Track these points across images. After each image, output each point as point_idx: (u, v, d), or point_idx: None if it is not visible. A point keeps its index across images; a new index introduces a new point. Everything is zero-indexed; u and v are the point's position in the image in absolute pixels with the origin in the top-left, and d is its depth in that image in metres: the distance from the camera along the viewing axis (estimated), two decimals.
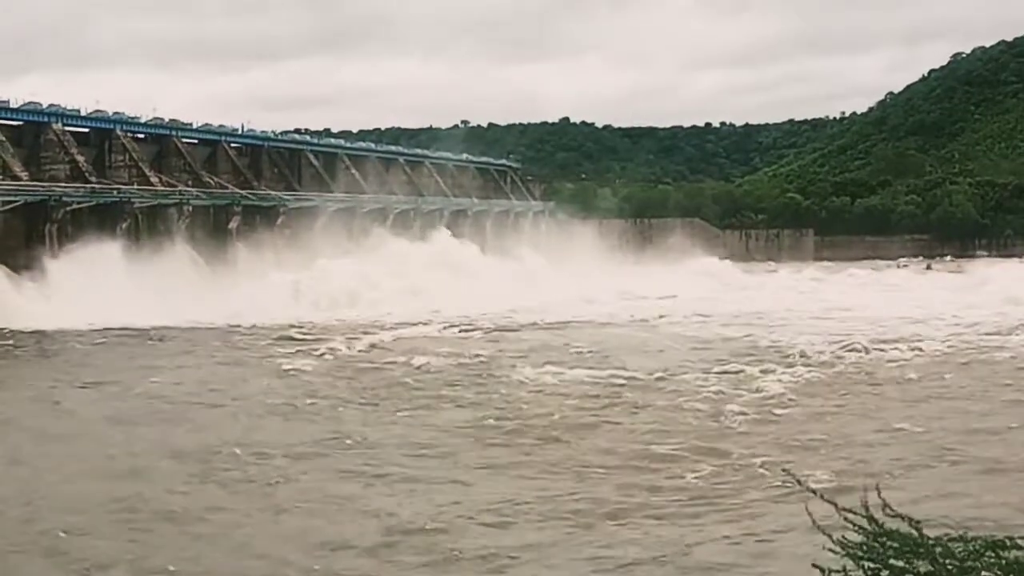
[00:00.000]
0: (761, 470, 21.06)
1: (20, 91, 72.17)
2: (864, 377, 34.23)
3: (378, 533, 17.65)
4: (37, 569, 16.49)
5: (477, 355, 40.82)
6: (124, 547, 17.29)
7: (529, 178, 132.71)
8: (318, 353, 42.30)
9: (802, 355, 38.79)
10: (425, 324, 53.15)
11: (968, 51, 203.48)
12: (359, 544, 17.11)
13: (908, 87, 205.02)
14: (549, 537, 17.29)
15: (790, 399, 29.77)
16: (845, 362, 37.53)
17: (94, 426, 27.67)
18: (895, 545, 5.91)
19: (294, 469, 22.35)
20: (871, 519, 6.13)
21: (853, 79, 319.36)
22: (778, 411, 28.00)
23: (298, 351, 43.07)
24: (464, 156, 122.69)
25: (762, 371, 34.68)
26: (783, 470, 16.10)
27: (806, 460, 21.91)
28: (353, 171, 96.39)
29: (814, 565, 6.06)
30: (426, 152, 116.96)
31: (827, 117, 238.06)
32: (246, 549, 17.18)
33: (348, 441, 24.90)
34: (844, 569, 5.92)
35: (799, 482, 7.48)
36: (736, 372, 34.72)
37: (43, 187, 65.49)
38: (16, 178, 64.96)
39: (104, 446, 24.90)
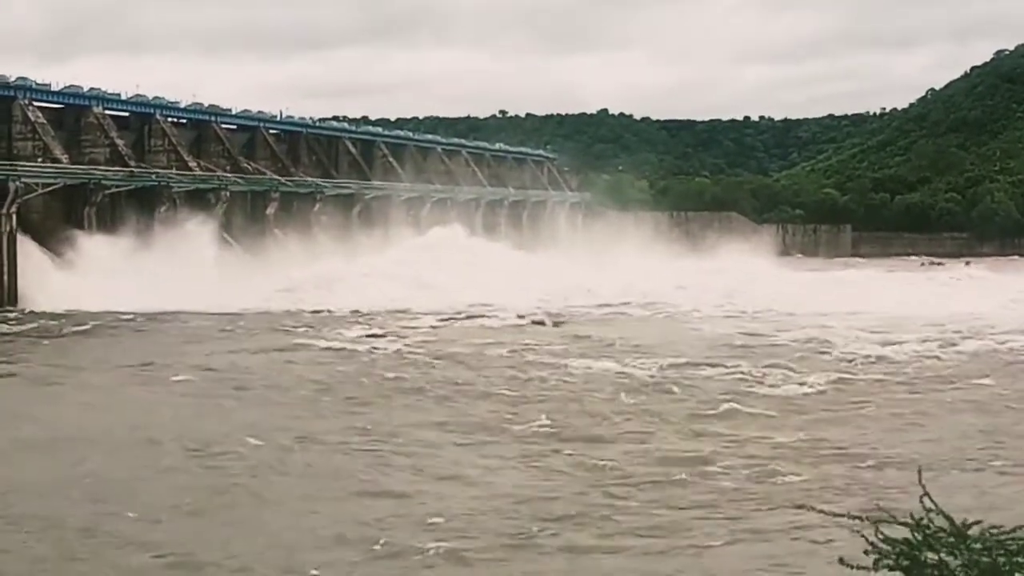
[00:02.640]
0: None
1: (67, 75, 72.16)
2: None
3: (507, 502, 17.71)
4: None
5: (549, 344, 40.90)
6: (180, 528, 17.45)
7: (566, 169, 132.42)
8: (327, 343, 42.46)
9: None
10: (485, 316, 53.00)
11: (1012, 48, 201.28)
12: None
13: (950, 84, 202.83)
14: None
15: None
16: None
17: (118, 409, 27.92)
18: (931, 539, 5.87)
19: (332, 455, 22.48)
20: (916, 521, 6.09)
21: (896, 75, 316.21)
22: None
23: (309, 338, 43.29)
24: (500, 146, 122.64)
25: None
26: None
27: None
28: (390, 159, 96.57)
29: (841, 561, 6.04)
30: (463, 141, 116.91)
31: (867, 112, 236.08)
32: (313, 531, 17.29)
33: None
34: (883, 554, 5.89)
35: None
36: None
37: (83, 170, 65.91)
38: (56, 161, 65.40)
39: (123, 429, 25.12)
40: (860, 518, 6.39)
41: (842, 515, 6.65)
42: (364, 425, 25.46)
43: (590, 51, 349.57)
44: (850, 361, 36.67)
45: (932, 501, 6.05)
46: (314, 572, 15.41)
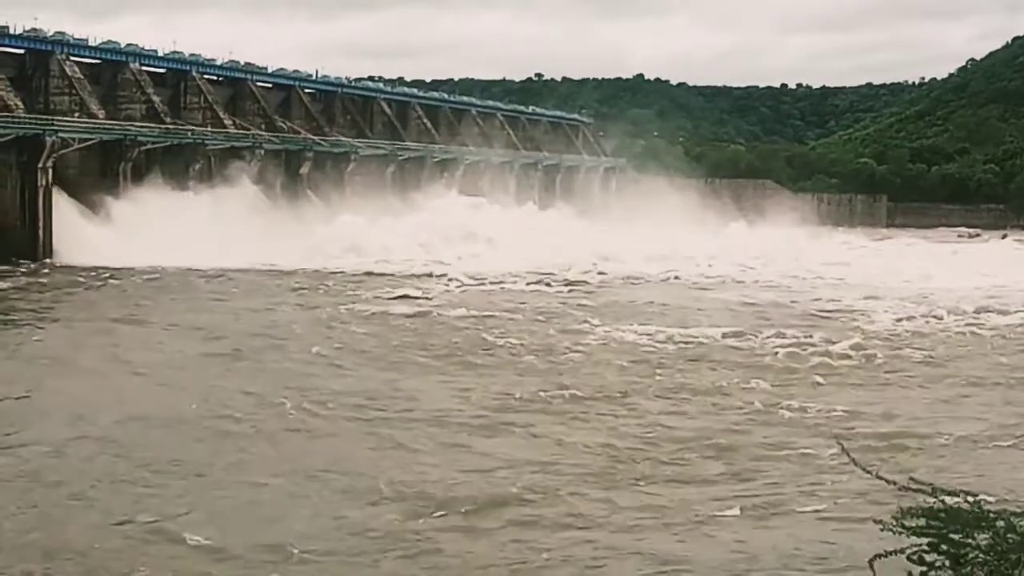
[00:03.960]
0: None
1: (108, 32, 72.26)
2: None
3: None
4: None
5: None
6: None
7: (601, 134, 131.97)
8: (353, 304, 42.56)
9: None
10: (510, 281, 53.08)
11: None
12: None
13: (991, 54, 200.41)
14: None
15: None
16: None
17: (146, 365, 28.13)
18: (953, 519, 5.82)
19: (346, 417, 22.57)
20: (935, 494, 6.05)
21: (942, 45, 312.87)
22: None
23: (334, 296, 43.44)
24: (535, 109, 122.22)
25: None
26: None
27: None
28: (425, 120, 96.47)
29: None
30: (498, 104, 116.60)
31: (906, 82, 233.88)
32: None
33: None
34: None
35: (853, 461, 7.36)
36: None
37: (118, 126, 66.15)
38: (93, 116, 65.64)
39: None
40: (893, 483, 6.37)
41: (880, 477, 6.61)
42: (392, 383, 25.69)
43: (635, 16, 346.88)
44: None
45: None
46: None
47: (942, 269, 58.23)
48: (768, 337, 33.75)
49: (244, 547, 14.57)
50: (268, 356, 29.44)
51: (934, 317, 39.66)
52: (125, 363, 28.12)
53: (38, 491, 16.86)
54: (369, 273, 54.31)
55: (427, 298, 43.98)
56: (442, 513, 16.11)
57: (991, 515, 5.89)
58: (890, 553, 5.92)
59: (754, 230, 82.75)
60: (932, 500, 6.05)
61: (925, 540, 5.81)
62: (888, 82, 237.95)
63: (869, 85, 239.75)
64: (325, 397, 23.79)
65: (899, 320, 38.93)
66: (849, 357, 30.45)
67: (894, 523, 5.99)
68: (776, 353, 30.91)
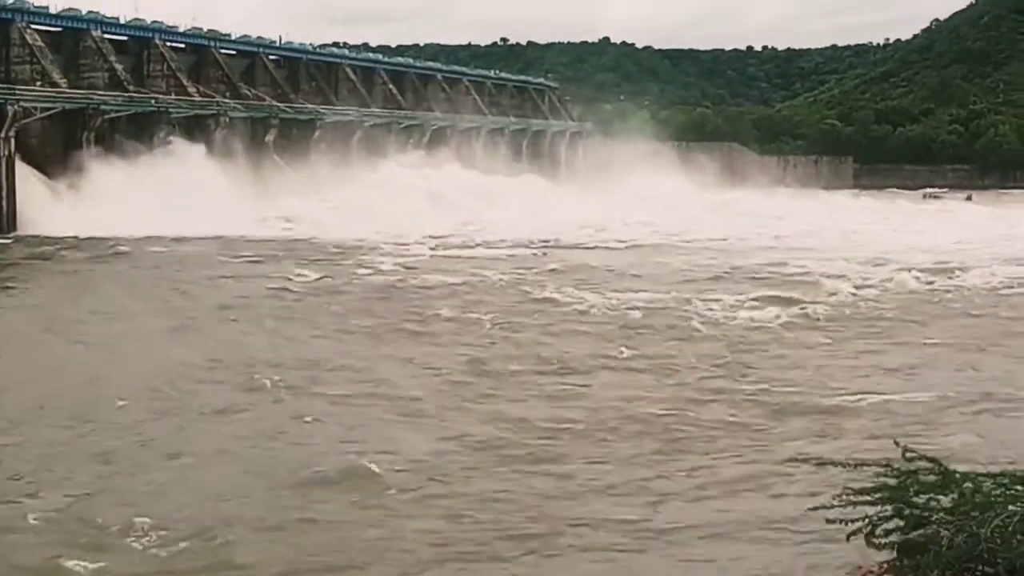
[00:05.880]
0: None
1: (78, 1, 70.84)
2: None
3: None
4: None
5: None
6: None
7: (567, 98, 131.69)
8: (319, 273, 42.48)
9: None
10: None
11: None
12: None
13: (955, 14, 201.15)
14: None
15: None
16: None
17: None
18: (915, 483, 5.88)
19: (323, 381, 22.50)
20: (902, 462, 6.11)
21: (908, 6, 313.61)
22: None
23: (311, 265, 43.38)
24: (501, 74, 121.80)
25: None
26: None
27: None
28: (390, 87, 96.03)
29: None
30: (464, 69, 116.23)
31: (871, 43, 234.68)
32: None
33: None
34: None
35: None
36: None
37: (81, 94, 65.47)
38: (55, 85, 64.96)
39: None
40: (844, 464, 6.42)
41: (829, 462, 6.68)
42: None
43: None
44: None
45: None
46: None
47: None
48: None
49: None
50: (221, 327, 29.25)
51: None
52: (69, 336, 27.81)
53: None
54: (351, 238, 54.10)
55: (408, 266, 43.92)
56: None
57: (957, 476, 5.95)
58: (854, 521, 5.97)
59: (725, 194, 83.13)
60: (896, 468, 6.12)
61: (890, 507, 5.86)
62: (853, 43, 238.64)
63: (834, 47, 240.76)
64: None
65: None
66: None
67: (852, 493, 6.05)
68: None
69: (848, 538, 6.05)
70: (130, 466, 16.66)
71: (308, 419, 19.33)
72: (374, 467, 16.29)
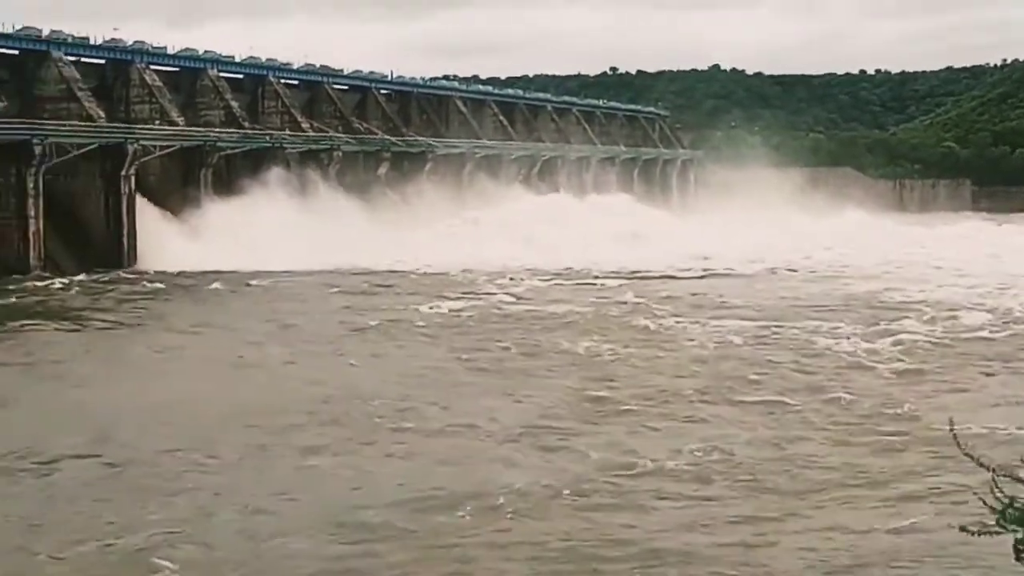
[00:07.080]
0: None
1: (193, 40, 72.83)
2: None
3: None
4: None
5: None
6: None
7: (678, 126, 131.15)
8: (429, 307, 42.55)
9: None
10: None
11: None
12: None
13: None
14: None
15: None
16: None
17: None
18: None
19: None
20: None
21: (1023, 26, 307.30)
22: None
23: (419, 298, 43.49)
24: (606, 103, 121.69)
25: None
26: None
27: None
28: (500, 118, 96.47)
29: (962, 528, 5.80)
30: (574, 99, 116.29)
31: (987, 64, 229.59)
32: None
33: None
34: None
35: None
36: None
37: (198, 132, 66.66)
38: (173, 123, 66.24)
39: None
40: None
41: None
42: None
43: (711, 6, 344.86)
44: None
45: None
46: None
47: None
48: None
49: None
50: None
51: None
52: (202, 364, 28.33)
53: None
54: (461, 271, 54.24)
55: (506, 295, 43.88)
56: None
57: None
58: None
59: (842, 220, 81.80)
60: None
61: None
62: (969, 65, 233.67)
63: (949, 69, 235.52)
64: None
65: None
66: None
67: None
68: None
69: None
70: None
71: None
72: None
